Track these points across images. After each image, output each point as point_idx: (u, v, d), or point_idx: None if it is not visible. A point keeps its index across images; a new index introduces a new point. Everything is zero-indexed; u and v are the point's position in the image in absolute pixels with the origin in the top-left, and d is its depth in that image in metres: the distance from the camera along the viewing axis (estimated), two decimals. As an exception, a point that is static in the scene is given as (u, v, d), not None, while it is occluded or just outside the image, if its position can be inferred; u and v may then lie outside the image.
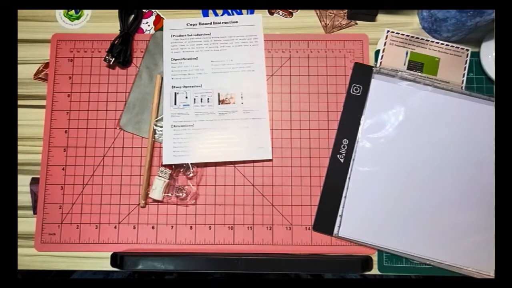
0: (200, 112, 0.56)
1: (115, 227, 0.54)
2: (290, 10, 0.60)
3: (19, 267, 0.53)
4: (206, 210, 0.55)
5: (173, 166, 0.55)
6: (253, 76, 0.57)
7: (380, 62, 0.58)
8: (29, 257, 0.54)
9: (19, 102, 0.58)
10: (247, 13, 0.60)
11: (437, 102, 0.55)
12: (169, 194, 0.54)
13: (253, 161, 0.56)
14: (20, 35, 0.60)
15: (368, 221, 0.52)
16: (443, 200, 0.52)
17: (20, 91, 0.58)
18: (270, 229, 0.54)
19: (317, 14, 0.60)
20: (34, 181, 0.56)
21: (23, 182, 0.56)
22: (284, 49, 0.59)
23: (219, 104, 0.56)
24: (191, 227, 0.54)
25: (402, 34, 0.58)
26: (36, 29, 0.60)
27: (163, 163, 0.55)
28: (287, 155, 0.56)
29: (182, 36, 0.59)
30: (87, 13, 0.60)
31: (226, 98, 0.57)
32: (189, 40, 0.59)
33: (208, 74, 0.58)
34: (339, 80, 0.57)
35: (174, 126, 0.56)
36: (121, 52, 0.57)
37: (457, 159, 0.53)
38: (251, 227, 0.54)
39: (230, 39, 0.59)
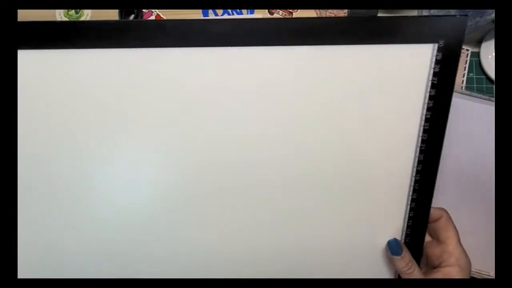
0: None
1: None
2: (290, 10, 0.60)
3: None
4: (206, 210, 0.54)
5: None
6: (253, 76, 0.57)
7: (380, 62, 0.57)
8: (29, 257, 0.54)
9: (19, 102, 0.57)
10: (247, 13, 0.60)
11: (437, 102, 0.55)
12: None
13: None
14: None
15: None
16: (442, 200, 0.52)
17: (20, 91, 0.58)
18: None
19: (317, 14, 0.60)
20: (34, 181, 0.55)
21: (23, 182, 0.55)
22: (284, 49, 0.58)
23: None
24: (191, 227, 0.54)
25: (402, 34, 0.58)
26: (36, 29, 0.60)
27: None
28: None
29: (182, 36, 0.59)
30: (87, 13, 0.60)
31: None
32: (189, 40, 0.59)
33: (208, 74, 0.57)
34: (339, 80, 0.57)
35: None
36: (121, 52, 0.57)
37: (457, 159, 0.53)
38: (251, 227, 0.54)
39: (230, 39, 0.59)
